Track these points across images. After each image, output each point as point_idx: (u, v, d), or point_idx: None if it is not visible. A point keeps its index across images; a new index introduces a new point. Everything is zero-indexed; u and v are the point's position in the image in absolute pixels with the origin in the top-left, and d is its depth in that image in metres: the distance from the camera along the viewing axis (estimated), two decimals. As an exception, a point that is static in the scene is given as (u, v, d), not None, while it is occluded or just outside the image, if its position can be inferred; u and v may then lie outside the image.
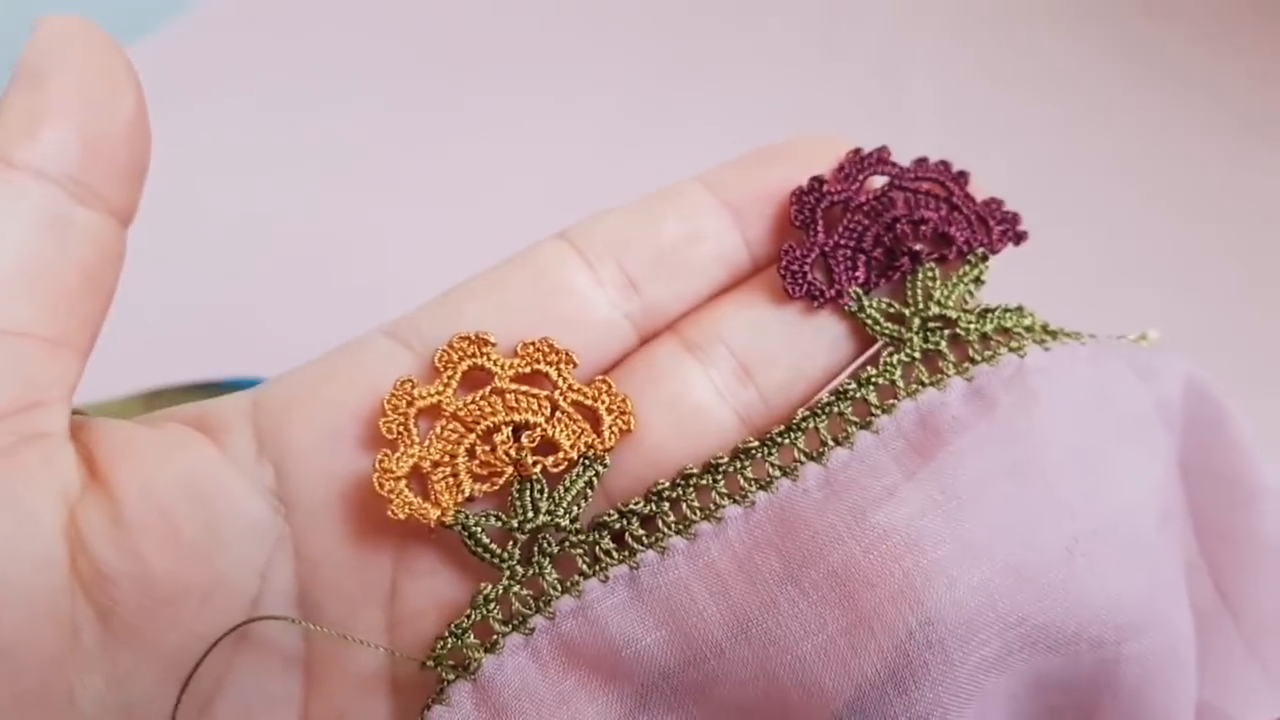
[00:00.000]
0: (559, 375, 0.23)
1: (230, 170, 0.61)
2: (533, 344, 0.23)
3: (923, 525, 0.21)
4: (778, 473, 0.22)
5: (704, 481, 0.23)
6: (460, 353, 0.23)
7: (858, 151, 0.25)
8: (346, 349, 0.23)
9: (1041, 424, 0.22)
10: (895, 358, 0.23)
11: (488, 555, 0.22)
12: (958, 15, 0.67)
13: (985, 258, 0.24)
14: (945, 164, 0.25)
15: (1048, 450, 0.22)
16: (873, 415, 0.23)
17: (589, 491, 0.23)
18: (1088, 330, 0.25)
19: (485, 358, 0.23)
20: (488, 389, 0.23)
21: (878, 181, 0.25)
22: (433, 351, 0.23)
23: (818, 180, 0.24)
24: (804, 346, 0.24)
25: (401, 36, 0.69)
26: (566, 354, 0.23)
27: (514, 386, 0.23)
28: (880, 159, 0.25)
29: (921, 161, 0.25)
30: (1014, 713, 0.22)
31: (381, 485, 0.22)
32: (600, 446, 0.23)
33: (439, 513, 0.22)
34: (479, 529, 0.22)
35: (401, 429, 0.22)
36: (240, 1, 0.70)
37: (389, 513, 0.22)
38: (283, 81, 0.66)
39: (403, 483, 0.22)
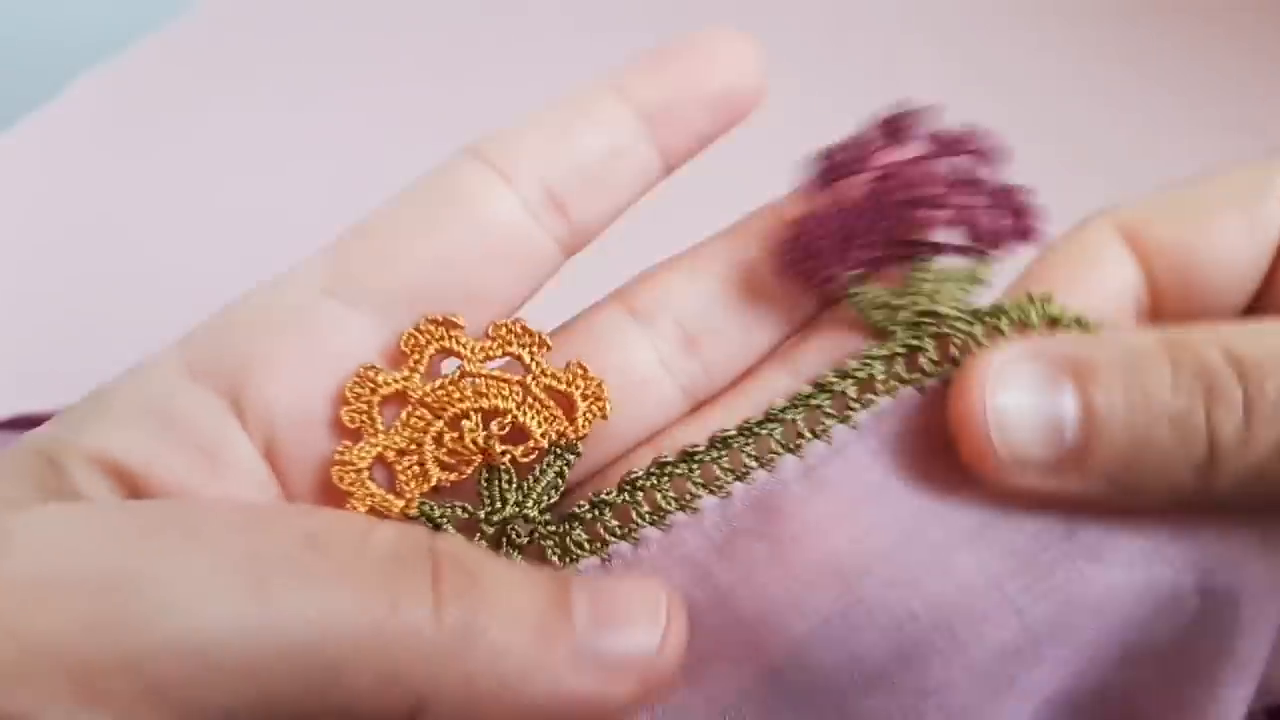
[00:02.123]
0: (531, 359, 0.22)
1: (233, 169, 0.61)
2: (504, 326, 0.22)
3: (915, 518, 0.21)
4: (754, 464, 0.21)
5: (679, 471, 0.21)
6: (428, 336, 0.22)
7: (893, 117, 0.23)
8: (291, 316, 0.22)
9: None
10: (877, 351, 0.22)
11: None
12: (958, 16, 0.66)
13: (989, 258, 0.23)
14: (983, 146, 0.23)
15: None
16: (850, 410, 0.22)
17: (560, 482, 0.22)
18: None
19: (454, 341, 0.22)
20: (456, 373, 0.22)
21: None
22: (389, 319, 0.22)
23: (839, 148, 0.23)
24: (750, 319, 0.23)
25: (405, 35, 0.68)
26: (539, 337, 0.22)
27: (484, 371, 0.22)
28: (912, 123, 0.23)
29: (962, 136, 0.23)
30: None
31: (341, 479, 0.21)
32: (573, 434, 0.22)
33: (403, 504, 0.21)
34: (444, 520, 0.21)
35: (365, 418, 0.21)
36: (242, 1, 0.70)
37: (349, 505, 0.21)
38: (285, 81, 0.66)
39: (365, 474, 0.21)
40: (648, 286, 0.23)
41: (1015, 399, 0.20)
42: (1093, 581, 0.20)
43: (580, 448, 0.22)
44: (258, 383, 0.21)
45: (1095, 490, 0.20)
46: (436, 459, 0.21)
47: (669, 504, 0.21)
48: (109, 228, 0.59)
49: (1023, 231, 0.23)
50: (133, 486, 0.20)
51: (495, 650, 0.17)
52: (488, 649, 0.17)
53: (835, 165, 0.23)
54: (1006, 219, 0.23)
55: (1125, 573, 0.20)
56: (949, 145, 0.23)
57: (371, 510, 0.21)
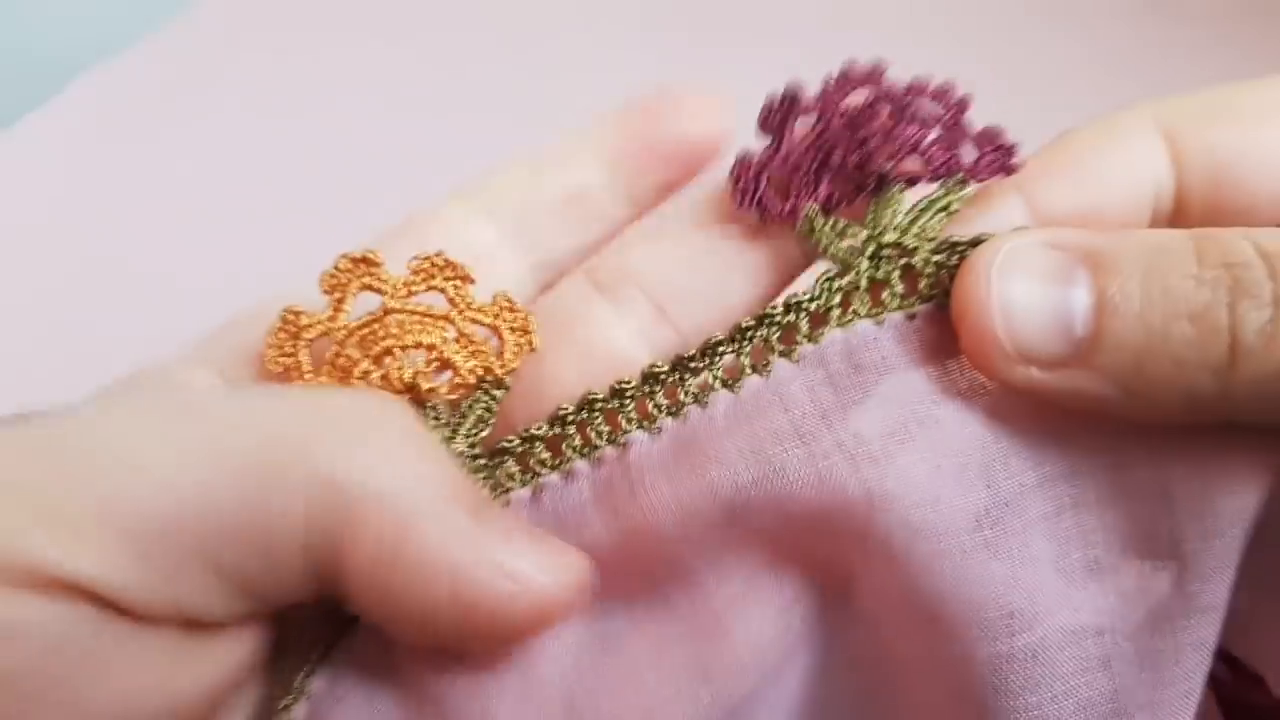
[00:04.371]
0: (455, 292, 0.21)
1: (232, 168, 0.61)
2: (428, 259, 0.21)
3: (827, 466, 0.19)
4: (690, 399, 0.21)
5: (611, 405, 0.21)
6: (348, 274, 0.21)
7: (843, 70, 0.22)
8: None
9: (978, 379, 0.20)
10: (835, 283, 0.21)
11: None
12: (958, 15, 0.65)
13: (964, 182, 0.21)
14: (946, 87, 0.22)
15: (976, 409, 0.20)
16: (798, 343, 0.21)
17: (488, 416, 0.21)
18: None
19: (375, 277, 0.21)
20: (379, 310, 0.21)
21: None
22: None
23: (792, 89, 0.22)
24: (721, 279, 0.22)
25: (404, 35, 0.68)
26: (462, 269, 0.21)
27: (408, 306, 0.21)
28: (872, 75, 0.22)
29: (919, 82, 0.22)
30: None
31: None
32: (500, 369, 0.21)
33: None
34: None
35: (290, 360, 0.21)
36: (241, 1, 0.71)
37: None
38: (284, 80, 0.66)
39: None
40: (611, 258, 0.23)
41: (1025, 287, 0.19)
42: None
43: (508, 382, 0.21)
44: None
45: (1103, 392, 0.19)
46: (364, 399, 0.21)
47: (600, 438, 0.21)
48: (108, 227, 0.59)
49: (984, 164, 0.21)
50: None
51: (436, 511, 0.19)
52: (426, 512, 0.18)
53: (785, 107, 0.22)
54: (964, 149, 0.21)
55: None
56: (898, 92, 0.22)
57: None
